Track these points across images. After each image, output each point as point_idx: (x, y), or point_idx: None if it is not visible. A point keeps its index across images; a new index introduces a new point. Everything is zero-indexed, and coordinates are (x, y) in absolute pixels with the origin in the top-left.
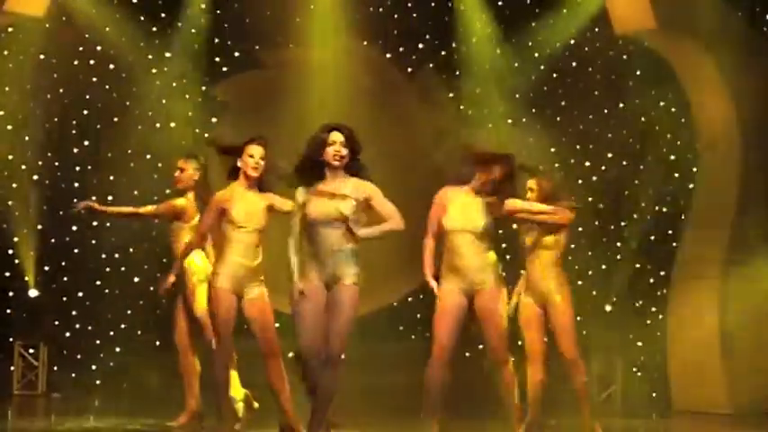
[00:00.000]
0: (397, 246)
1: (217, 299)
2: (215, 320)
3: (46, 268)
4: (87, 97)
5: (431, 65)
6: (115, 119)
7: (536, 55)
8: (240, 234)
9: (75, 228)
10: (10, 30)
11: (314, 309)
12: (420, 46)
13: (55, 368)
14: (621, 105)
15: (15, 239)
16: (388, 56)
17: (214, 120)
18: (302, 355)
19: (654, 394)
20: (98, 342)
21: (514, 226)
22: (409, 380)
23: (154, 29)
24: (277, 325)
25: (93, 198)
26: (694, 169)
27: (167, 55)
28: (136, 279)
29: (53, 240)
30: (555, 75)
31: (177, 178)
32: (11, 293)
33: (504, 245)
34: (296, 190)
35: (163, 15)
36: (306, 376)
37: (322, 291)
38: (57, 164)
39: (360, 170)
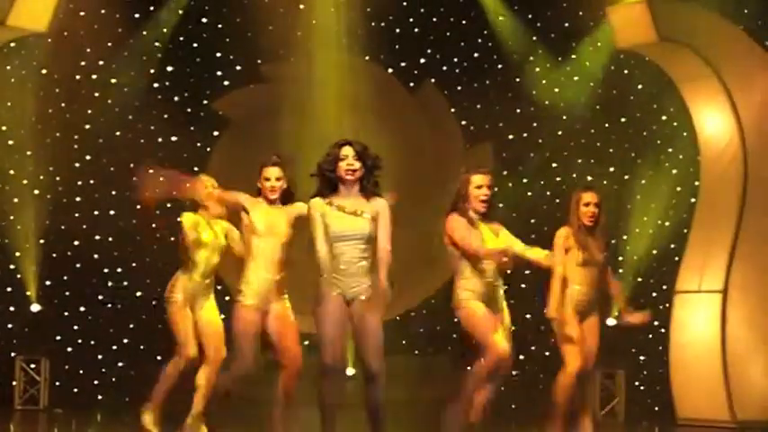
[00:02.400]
0: (401, 262)
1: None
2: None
3: (48, 283)
4: (89, 112)
5: (432, 79)
6: (117, 133)
7: (537, 70)
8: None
9: (76, 242)
10: (12, 45)
11: (338, 321)
12: (421, 61)
13: (57, 383)
14: (623, 119)
15: (17, 254)
16: (389, 70)
17: (216, 134)
18: (326, 366)
19: (657, 407)
20: (100, 357)
21: None
22: (411, 395)
23: (157, 44)
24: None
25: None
26: (696, 183)
27: (169, 69)
28: (138, 293)
29: (55, 255)
30: (557, 90)
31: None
32: (12, 308)
33: None
34: (312, 200)
35: (164, 30)
36: (328, 391)
37: (341, 303)
38: (58, 178)
39: (372, 190)
